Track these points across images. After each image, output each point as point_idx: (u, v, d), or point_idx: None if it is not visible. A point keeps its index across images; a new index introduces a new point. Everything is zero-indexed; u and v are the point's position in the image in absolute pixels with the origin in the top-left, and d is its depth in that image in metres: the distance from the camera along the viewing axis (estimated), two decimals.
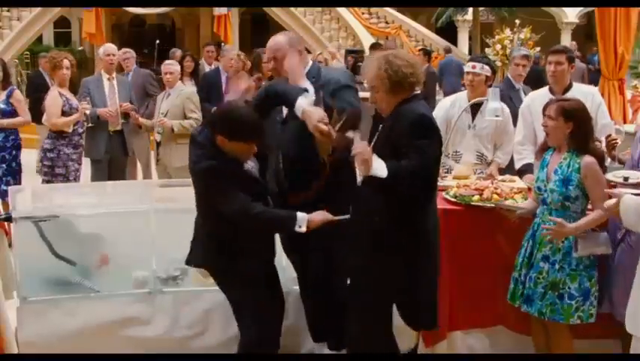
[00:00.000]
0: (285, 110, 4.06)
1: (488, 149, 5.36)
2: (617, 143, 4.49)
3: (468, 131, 5.26)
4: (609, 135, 4.55)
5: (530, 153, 5.00)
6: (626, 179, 3.90)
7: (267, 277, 4.00)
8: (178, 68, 7.32)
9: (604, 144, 4.57)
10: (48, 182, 6.60)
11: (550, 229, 3.85)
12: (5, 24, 18.66)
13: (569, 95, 4.84)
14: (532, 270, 3.99)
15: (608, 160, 4.28)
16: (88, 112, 6.84)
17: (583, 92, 4.99)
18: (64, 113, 6.64)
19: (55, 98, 6.64)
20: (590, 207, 3.94)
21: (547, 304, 3.94)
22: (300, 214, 3.68)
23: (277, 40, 4.09)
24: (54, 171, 6.63)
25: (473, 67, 5.24)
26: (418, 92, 3.66)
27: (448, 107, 5.38)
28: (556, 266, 3.93)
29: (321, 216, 3.70)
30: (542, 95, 5.05)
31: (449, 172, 5.11)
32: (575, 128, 3.93)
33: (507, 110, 5.24)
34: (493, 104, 4.81)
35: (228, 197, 3.64)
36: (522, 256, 4.07)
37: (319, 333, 4.38)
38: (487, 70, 5.23)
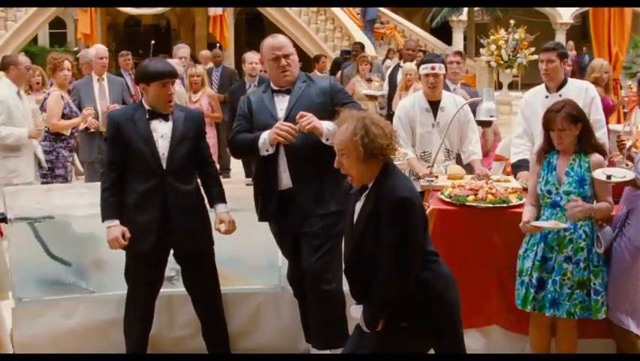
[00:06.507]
0: (281, 111, 4.11)
1: (454, 144, 5.41)
2: (625, 143, 4.60)
3: (432, 130, 5.27)
4: (619, 136, 4.66)
5: (527, 148, 5.01)
6: (609, 177, 3.91)
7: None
8: None
9: (614, 144, 4.70)
10: (47, 184, 6.51)
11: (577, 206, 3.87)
12: (0, 24, 18.61)
13: (563, 90, 4.91)
14: (554, 273, 3.98)
15: (620, 157, 4.42)
16: (90, 118, 6.82)
17: (577, 87, 5.02)
18: (63, 116, 6.63)
19: (58, 99, 6.62)
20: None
21: (577, 303, 3.96)
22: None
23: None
24: (54, 173, 6.61)
25: (432, 68, 5.26)
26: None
27: (408, 109, 5.38)
28: (582, 265, 3.96)
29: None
30: (539, 92, 5.10)
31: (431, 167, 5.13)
32: (582, 129, 3.99)
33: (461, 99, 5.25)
34: (487, 105, 4.82)
35: None
36: (532, 260, 4.04)
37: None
38: (443, 68, 5.31)
